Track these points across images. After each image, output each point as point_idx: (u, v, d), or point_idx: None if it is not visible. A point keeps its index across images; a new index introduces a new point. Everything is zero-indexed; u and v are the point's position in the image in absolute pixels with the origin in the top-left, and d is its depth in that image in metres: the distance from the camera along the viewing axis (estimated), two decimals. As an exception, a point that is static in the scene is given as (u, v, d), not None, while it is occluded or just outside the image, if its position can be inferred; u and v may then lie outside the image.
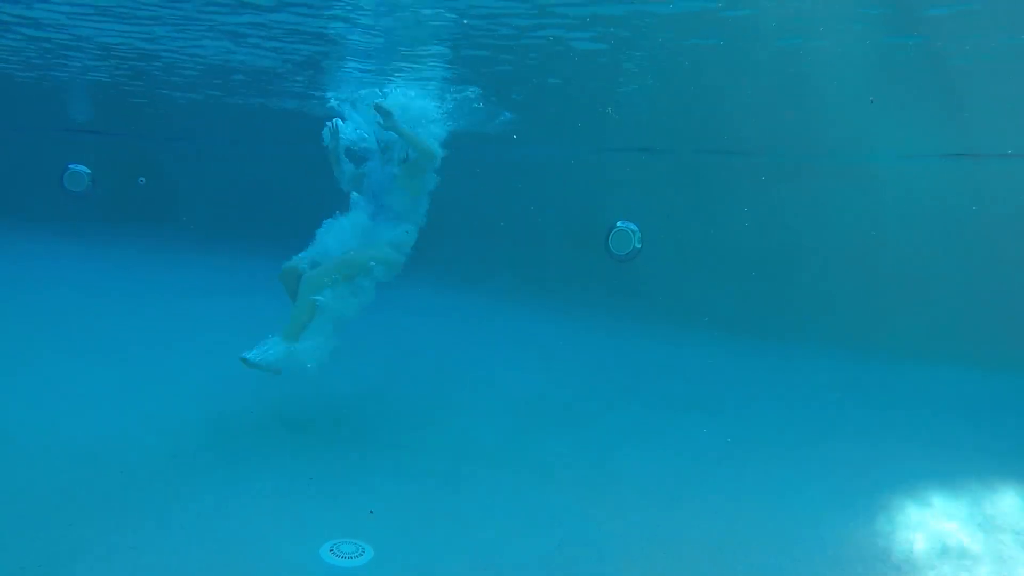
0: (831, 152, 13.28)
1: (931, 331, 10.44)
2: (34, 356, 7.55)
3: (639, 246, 11.11)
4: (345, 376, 7.31)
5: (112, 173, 16.30)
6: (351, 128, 6.37)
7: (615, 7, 6.75)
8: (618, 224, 11.13)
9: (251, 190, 17.83)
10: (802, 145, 13.09)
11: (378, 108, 5.70)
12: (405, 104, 6.07)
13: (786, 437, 6.77)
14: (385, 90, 8.61)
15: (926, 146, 12.20)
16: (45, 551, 4.02)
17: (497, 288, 13.49)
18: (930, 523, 5.09)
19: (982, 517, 5.21)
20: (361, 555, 4.18)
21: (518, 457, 5.86)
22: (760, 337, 10.99)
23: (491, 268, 14.01)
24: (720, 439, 6.59)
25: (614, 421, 7.00)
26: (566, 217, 15.24)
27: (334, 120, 6.24)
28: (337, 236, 5.95)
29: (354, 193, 6.18)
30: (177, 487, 4.90)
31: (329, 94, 9.97)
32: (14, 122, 18.01)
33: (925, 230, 12.23)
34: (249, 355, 5.44)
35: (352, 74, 9.63)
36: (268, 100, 13.16)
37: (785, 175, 13.94)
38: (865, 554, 4.60)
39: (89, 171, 14.04)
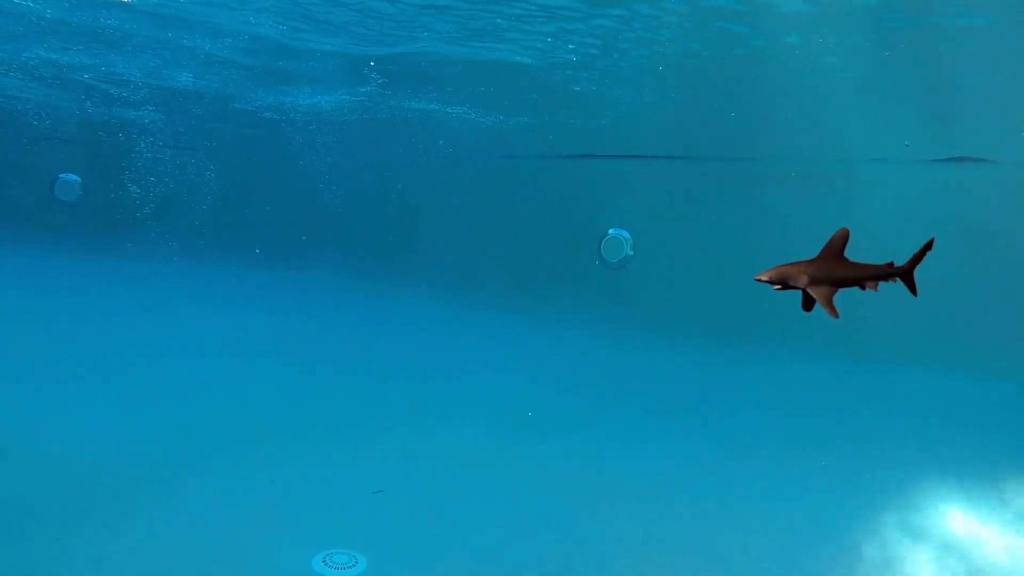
0: (823, 158, 13.34)
1: (923, 337, 10.48)
2: (26, 364, 7.51)
3: (631, 253, 11.12)
4: (340, 383, 7.31)
5: None
6: None
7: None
8: (610, 231, 11.14)
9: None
10: (795, 151, 13.15)
11: None
12: None
13: (778, 442, 6.79)
14: None
15: (919, 151, 12.27)
16: (38, 556, 4.00)
17: (491, 295, 13.50)
18: (924, 527, 5.10)
19: (978, 521, 5.22)
20: (354, 565, 4.16)
21: (512, 462, 5.86)
22: (753, 343, 11.02)
23: (485, 275, 14.02)
24: (713, 443, 6.60)
25: (608, 425, 7.01)
26: (559, 224, 15.26)
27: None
28: None
29: None
30: (168, 495, 4.88)
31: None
32: None
33: (918, 235, 12.25)
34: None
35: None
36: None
37: (778, 181, 14.01)
38: (860, 557, 4.61)
39: (80, 180, 13.89)
